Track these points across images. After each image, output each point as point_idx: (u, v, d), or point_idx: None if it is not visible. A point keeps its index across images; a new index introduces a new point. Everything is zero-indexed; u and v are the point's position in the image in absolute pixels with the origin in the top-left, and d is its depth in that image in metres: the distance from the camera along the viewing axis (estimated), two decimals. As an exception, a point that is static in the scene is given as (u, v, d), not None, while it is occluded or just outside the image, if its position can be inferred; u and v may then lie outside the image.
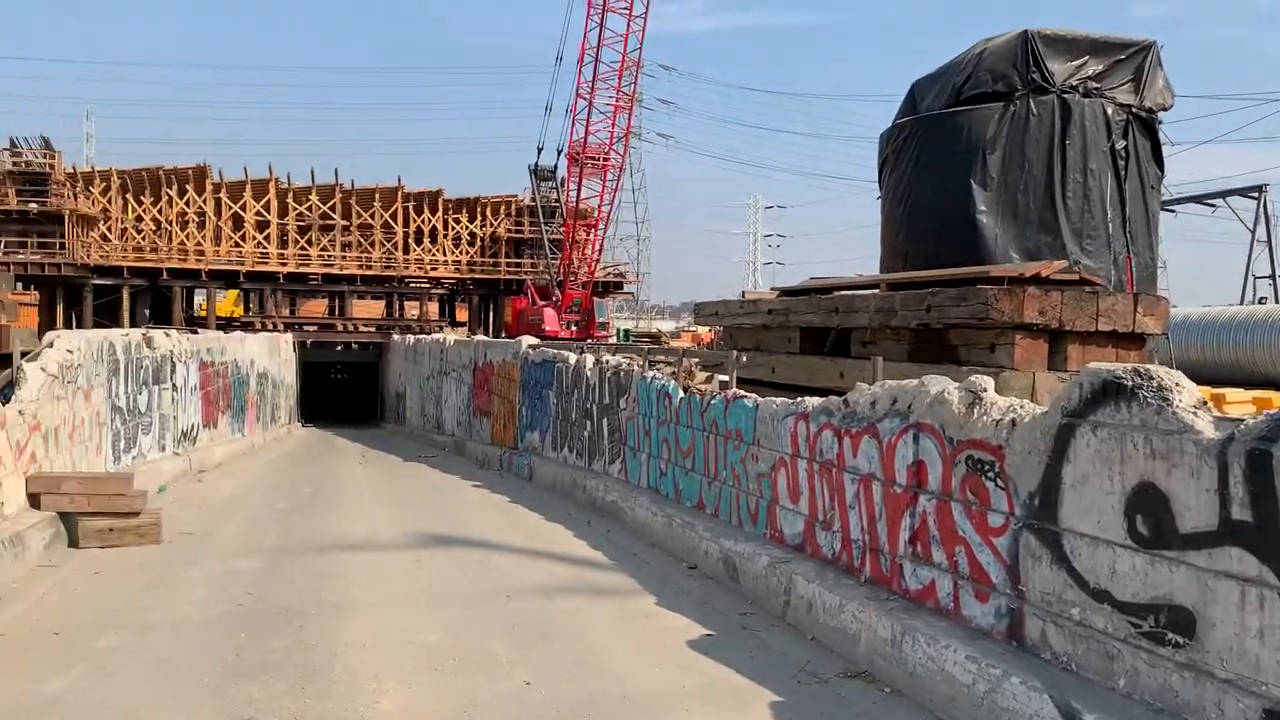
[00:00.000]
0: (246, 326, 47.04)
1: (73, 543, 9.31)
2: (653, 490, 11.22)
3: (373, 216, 57.56)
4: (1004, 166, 12.99)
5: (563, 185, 55.47)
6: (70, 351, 11.08)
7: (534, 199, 56.66)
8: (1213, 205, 41.56)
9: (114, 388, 13.12)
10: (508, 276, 58.74)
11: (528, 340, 19.75)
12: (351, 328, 55.48)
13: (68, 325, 44.98)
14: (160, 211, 54.23)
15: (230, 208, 55.26)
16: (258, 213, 55.75)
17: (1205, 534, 4.36)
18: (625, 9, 47.86)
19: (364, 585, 8.10)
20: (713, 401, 9.73)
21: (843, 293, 11.57)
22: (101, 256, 51.59)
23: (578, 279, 52.32)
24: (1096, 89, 12.67)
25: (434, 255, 58.91)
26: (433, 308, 62.22)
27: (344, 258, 56.69)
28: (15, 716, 5.16)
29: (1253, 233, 41.14)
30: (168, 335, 17.34)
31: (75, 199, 50.49)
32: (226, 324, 49.61)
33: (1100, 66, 12.65)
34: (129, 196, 54.02)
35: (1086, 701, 4.68)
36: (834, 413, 7.59)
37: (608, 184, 50.99)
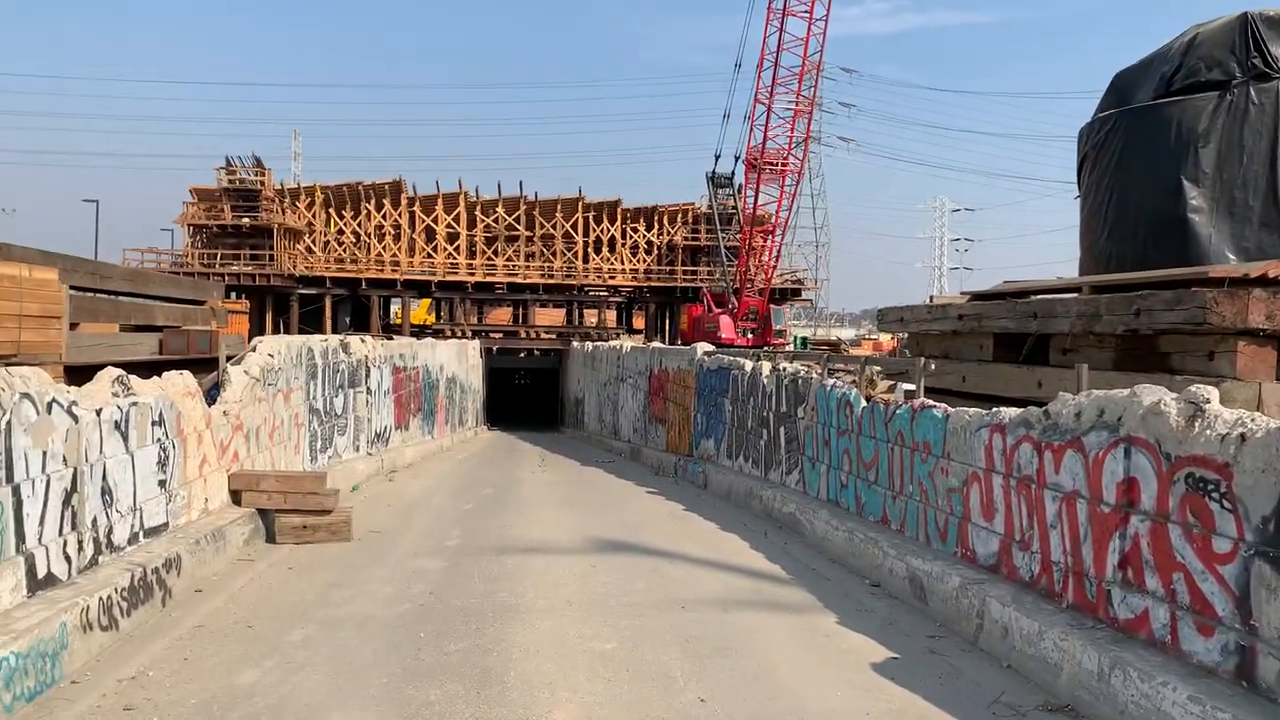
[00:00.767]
0: (437, 334, 49.21)
1: (270, 538, 9.80)
2: (832, 503, 10.80)
3: (554, 227, 59.08)
4: (1219, 160, 11.95)
5: (740, 192, 55.21)
6: (271, 356, 11.72)
7: (711, 206, 56.67)
8: None
9: (312, 390, 13.82)
10: (684, 284, 58.97)
11: (703, 347, 19.60)
12: (533, 335, 57.12)
13: (275, 332, 48.35)
14: (359, 225, 57.53)
15: (423, 220, 58.02)
16: (448, 225, 58.24)
17: None
18: (805, 12, 47.16)
19: (539, 589, 8.11)
20: (898, 411, 9.25)
21: (1041, 297, 10.80)
22: (306, 267, 55.19)
23: (754, 286, 51.88)
24: (1324, 74, 11.42)
25: (612, 264, 59.89)
26: (610, 315, 63.22)
27: (527, 267, 58.43)
28: (210, 707, 5.37)
29: None
30: (363, 341, 18.19)
31: (283, 214, 54.28)
32: (419, 331, 51.98)
33: (1329, 49, 11.39)
34: (331, 211, 57.58)
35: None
36: (1034, 425, 7.01)
37: (786, 189, 50.37)
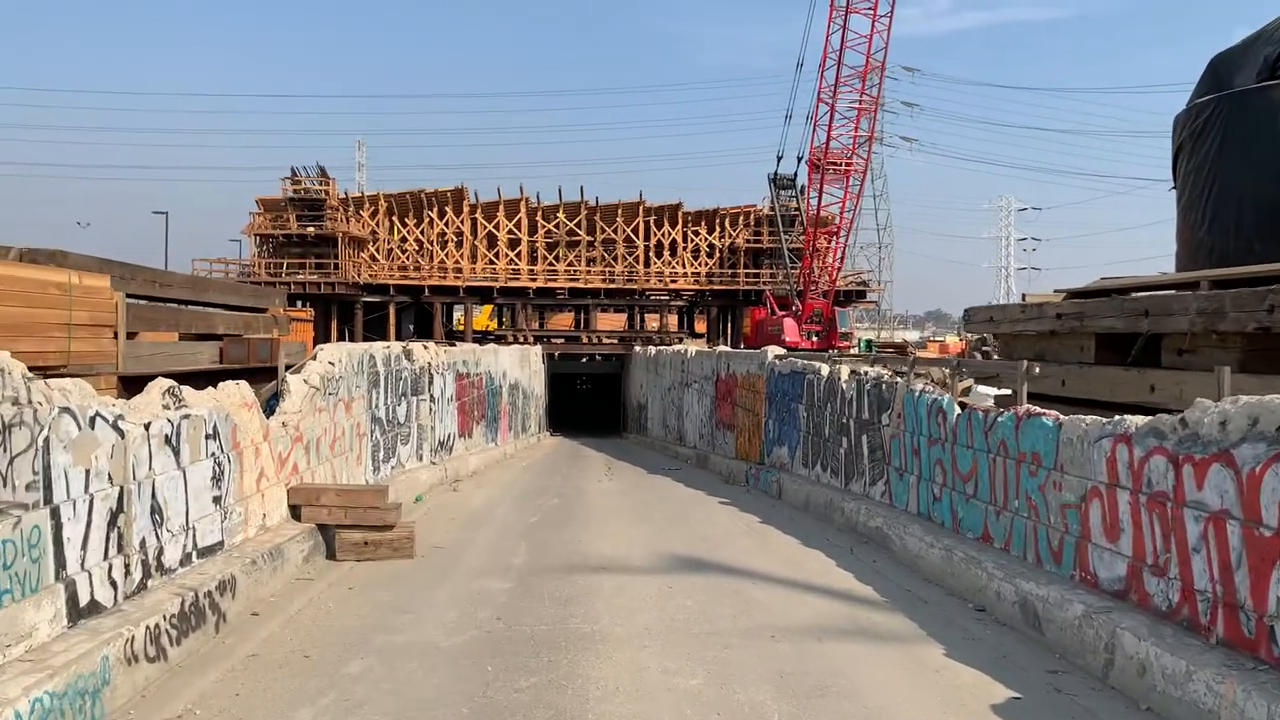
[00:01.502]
0: (500, 340, 49.12)
1: (330, 555, 9.38)
2: (924, 517, 10.05)
3: (615, 231, 58.71)
4: (1329, 145, 10.98)
5: (803, 193, 54.25)
6: (332, 364, 11.34)
7: (773, 208, 55.81)
8: None
9: (374, 399, 13.45)
10: (746, 287, 58.16)
11: (773, 350, 18.89)
12: (595, 340, 56.75)
13: (340, 340, 48.68)
14: (422, 232, 57.74)
15: (485, 227, 58.06)
16: (509, 231, 58.20)
17: None
18: (869, 9, 46.15)
19: (614, 614, 7.52)
20: (1000, 419, 8.49)
21: (1152, 293, 9.93)
22: (370, 275, 55.52)
23: (818, 288, 50.89)
24: None
25: (673, 268, 59.33)
26: (672, 319, 62.64)
27: (588, 272, 58.12)
28: (257, 756, 4.88)
29: None
30: (426, 348, 17.84)
31: (347, 222, 54.68)
32: (482, 337, 52.02)
33: None
34: (394, 219, 57.89)
35: None
36: (1167, 435, 6.23)
37: (850, 190, 49.38)
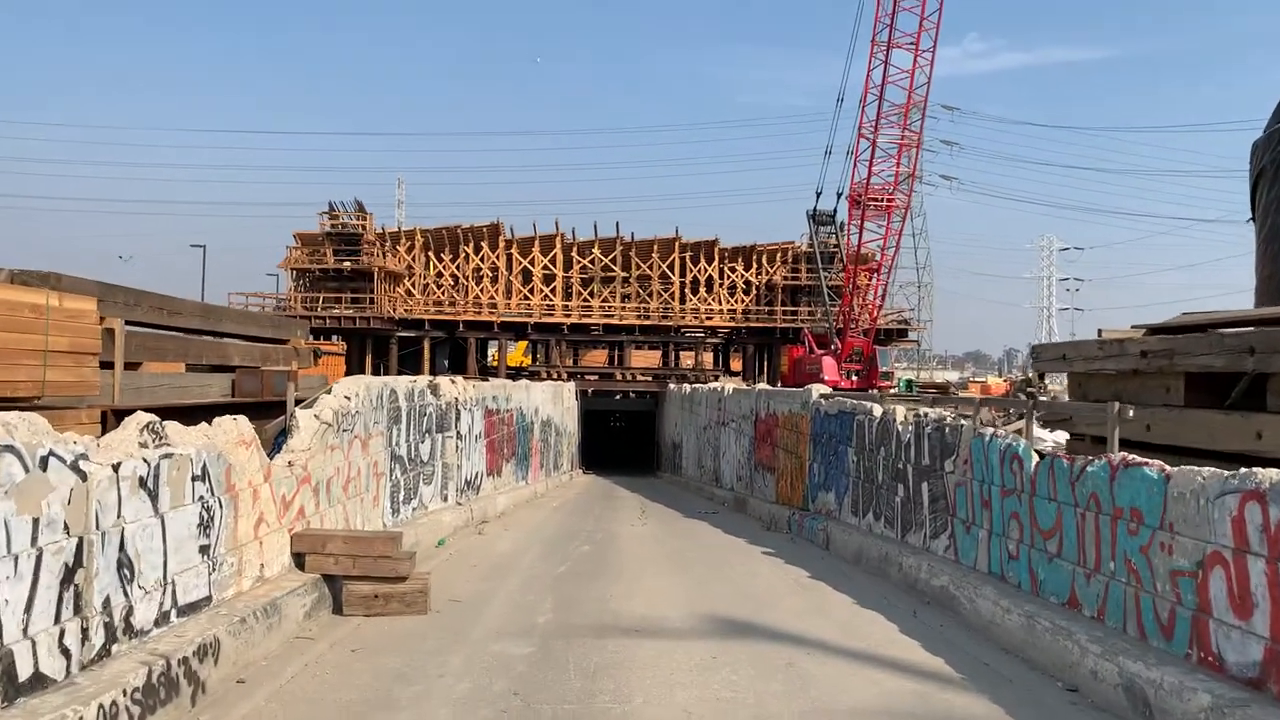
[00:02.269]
0: (533, 376, 48.48)
1: (337, 609, 8.49)
2: (996, 577, 8.97)
3: (650, 267, 58.09)
4: None
5: (842, 229, 53.40)
6: (348, 398, 10.53)
7: (812, 244, 54.96)
8: None
9: (394, 436, 12.63)
10: (783, 325, 57.22)
11: (818, 389, 17.88)
12: (629, 377, 55.96)
13: (375, 374, 48.19)
14: (458, 267, 57.45)
15: (520, 262, 57.66)
16: (545, 266, 57.75)
17: None
18: (912, 44, 45.60)
19: (649, 690, 6.53)
20: (1090, 469, 7.45)
21: (1260, 329, 8.87)
22: (405, 310, 55.21)
23: (858, 326, 49.83)
24: None
25: (709, 304, 58.53)
26: (707, 357, 61.74)
27: (623, 308, 57.46)
28: None
29: None
30: (453, 382, 17.05)
31: (384, 257, 54.48)
32: (516, 373, 51.42)
33: None
34: (430, 254, 57.66)
35: None
36: (1314, 493, 5.20)
37: (891, 226, 48.44)
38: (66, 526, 5.15)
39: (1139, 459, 6.98)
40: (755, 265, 59.10)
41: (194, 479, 6.71)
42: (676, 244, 58.20)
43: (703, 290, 58.62)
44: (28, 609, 4.83)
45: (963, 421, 10.56)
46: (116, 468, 5.67)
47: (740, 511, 20.55)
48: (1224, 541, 5.87)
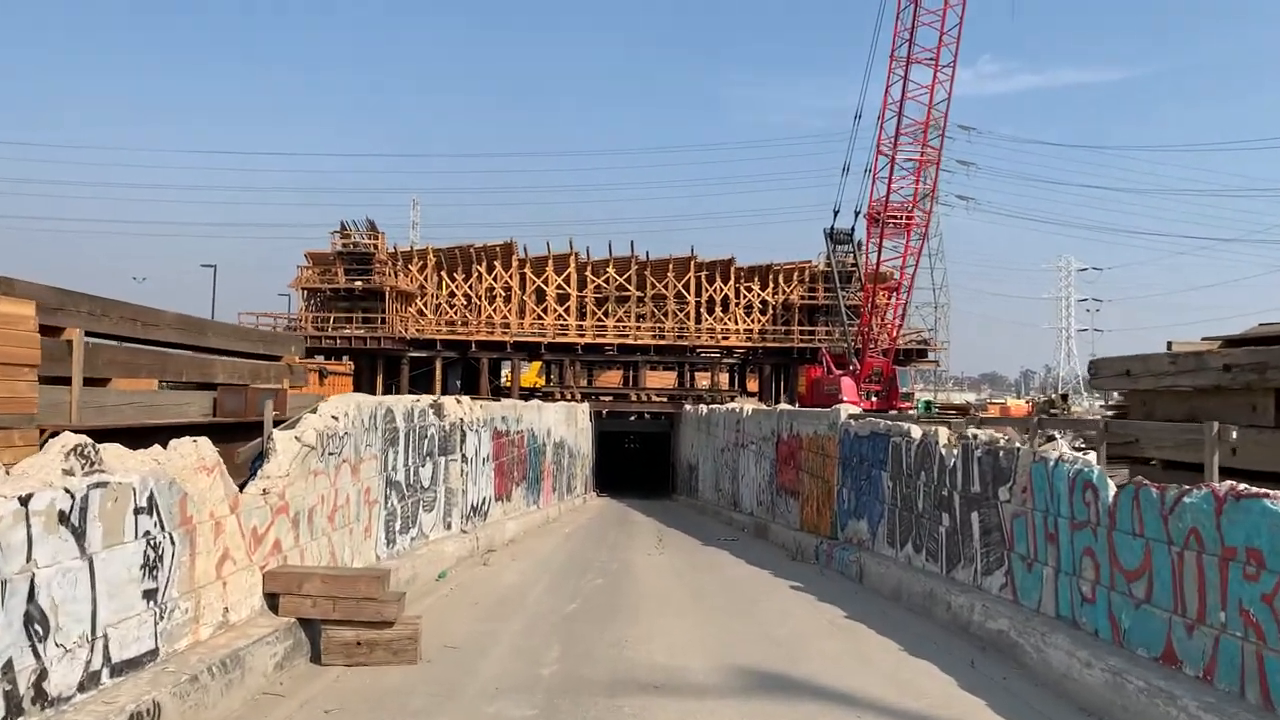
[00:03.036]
0: (547, 396, 47.57)
1: (315, 657, 7.46)
2: (1067, 622, 7.86)
3: (666, 287, 57.17)
4: None
5: (860, 248, 52.36)
6: (335, 418, 9.53)
7: (829, 263, 53.98)
8: None
9: (391, 460, 11.62)
10: (800, 345, 56.15)
11: (847, 409, 16.80)
12: (644, 397, 54.98)
13: (387, 395, 47.26)
14: (470, 287, 56.65)
15: (533, 282, 56.84)
16: (559, 286, 56.91)
17: None
18: (931, 59, 44.76)
19: (672, 764, 5.46)
20: (1187, 500, 6.36)
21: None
22: (417, 330, 54.41)
23: (877, 346, 48.70)
24: None
25: (725, 324, 57.53)
26: (723, 377, 60.72)
27: (638, 328, 56.53)
28: None
29: None
30: (459, 401, 16.06)
31: (395, 277, 53.72)
32: (529, 394, 50.50)
33: None
34: (443, 273, 56.91)
35: None
36: None
37: (910, 245, 47.38)
38: (-48, 575, 4.16)
39: (1254, 489, 5.89)
40: (772, 285, 58.10)
41: (137, 512, 5.71)
42: (692, 263, 57.28)
43: (718, 310, 57.63)
44: (-111, 682, 3.83)
45: (1017, 445, 9.48)
46: (26, 501, 4.67)
47: (762, 538, 19.46)
48: (1379, 593, 4.79)
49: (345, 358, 53.25)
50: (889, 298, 49.28)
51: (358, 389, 48.15)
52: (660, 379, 61.51)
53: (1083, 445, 10.40)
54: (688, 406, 42.29)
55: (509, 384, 57.61)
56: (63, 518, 4.96)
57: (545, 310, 56.87)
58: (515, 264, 56.85)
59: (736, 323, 57.64)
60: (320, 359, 53.61)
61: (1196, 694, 5.85)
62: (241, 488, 7.65)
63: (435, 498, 13.81)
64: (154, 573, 5.87)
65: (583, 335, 55.80)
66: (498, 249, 56.75)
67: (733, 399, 50.36)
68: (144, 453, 6.03)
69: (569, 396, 48.77)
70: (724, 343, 57.29)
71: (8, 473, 4.72)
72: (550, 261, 56.89)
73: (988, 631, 8.61)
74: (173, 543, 6.11)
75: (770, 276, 58.13)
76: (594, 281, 57.36)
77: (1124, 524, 7.10)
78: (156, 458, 6.10)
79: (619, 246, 58.03)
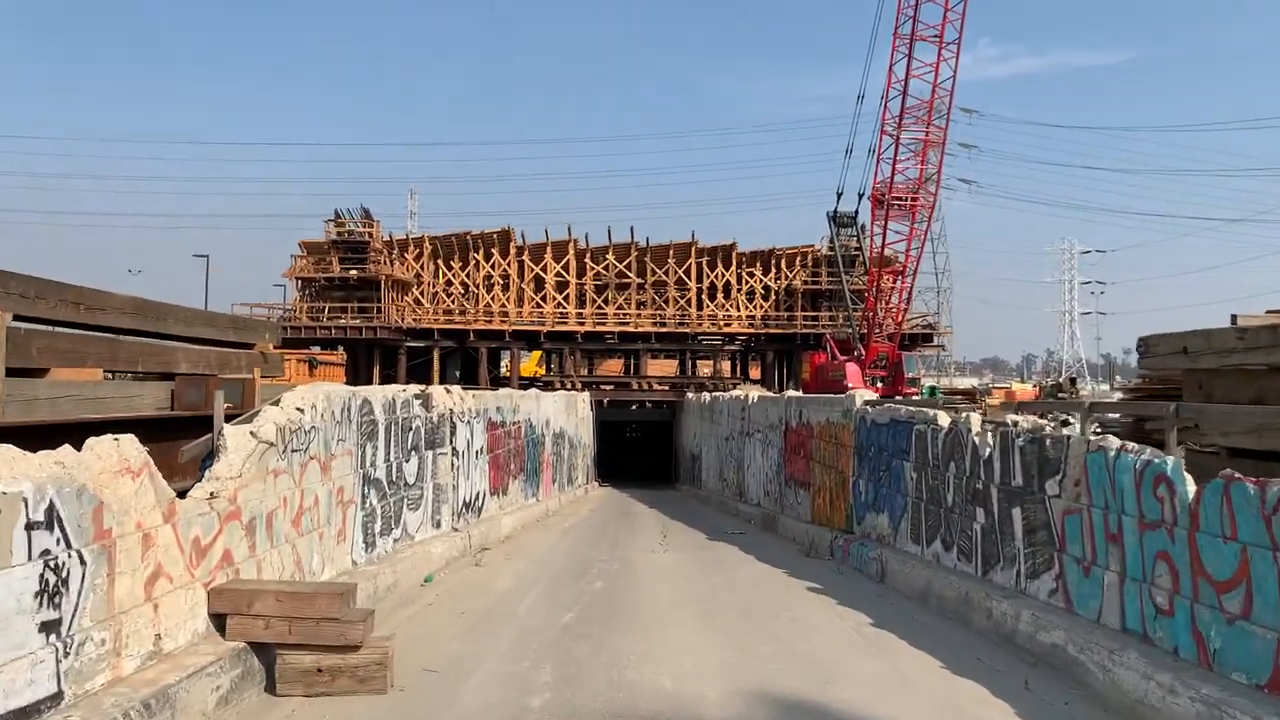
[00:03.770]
0: (547, 386, 46.65)
1: (270, 686, 6.45)
2: (1138, 637, 6.83)
3: (667, 273, 56.08)
4: None
5: (864, 231, 51.24)
6: (300, 410, 8.50)
7: (833, 247, 52.93)
8: None
9: (368, 455, 10.59)
10: (804, 330, 55.10)
11: (863, 395, 15.76)
12: (646, 386, 53.96)
13: (385, 384, 46.22)
14: (468, 275, 55.53)
15: (532, 269, 55.74)
16: (557, 273, 55.83)
17: None
18: (935, 36, 43.64)
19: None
20: (1298, 497, 5.34)
21: None
22: (414, 319, 53.34)
23: (883, 331, 47.67)
24: None
25: (727, 310, 56.45)
26: (725, 365, 59.68)
27: (639, 315, 55.48)
28: None
29: None
30: (448, 391, 15.01)
31: (391, 265, 52.60)
32: (529, 384, 49.60)
33: None
34: (439, 262, 55.79)
35: None
36: None
37: (916, 227, 46.33)
38: None
39: (1390, 486, 4.86)
40: (774, 270, 56.99)
41: (30, 527, 4.68)
42: (693, 249, 56.17)
43: (720, 296, 56.54)
44: None
45: (1065, 432, 8.45)
46: None
47: (770, 531, 18.48)
48: None
49: (340, 348, 52.22)
50: (894, 281, 48.28)
51: (354, 379, 47.20)
52: (662, 367, 60.50)
53: (1099, 430, 9.38)
54: (690, 395, 41.33)
55: (509, 373, 56.61)
56: (-86, 540, 3.95)
57: (544, 298, 55.79)
58: (513, 251, 55.74)
59: (738, 309, 56.56)
60: (316, 349, 52.62)
61: (1322, 735, 4.83)
62: (185, 493, 6.64)
63: (422, 495, 12.79)
64: (54, 600, 4.84)
65: (582, 323, 54.74)
66: (495, 236, 55.62)
67: (734, 386, 49.33)
68: (46, 454, 5.00)
69: (569, 385, 47.80)
70: (726, 329, 56.23)
71: None
72: (549, 249, 55.80)
73: (1039, 645, 7.59)
74: (83, 562, 5.09)
75: (772, 261, 57.01)
76: (593, 268, 56.25)
77: (1210, 525, 6.07)
78: (62, 460, 5.07)
79: (619, 233, 56.90)
